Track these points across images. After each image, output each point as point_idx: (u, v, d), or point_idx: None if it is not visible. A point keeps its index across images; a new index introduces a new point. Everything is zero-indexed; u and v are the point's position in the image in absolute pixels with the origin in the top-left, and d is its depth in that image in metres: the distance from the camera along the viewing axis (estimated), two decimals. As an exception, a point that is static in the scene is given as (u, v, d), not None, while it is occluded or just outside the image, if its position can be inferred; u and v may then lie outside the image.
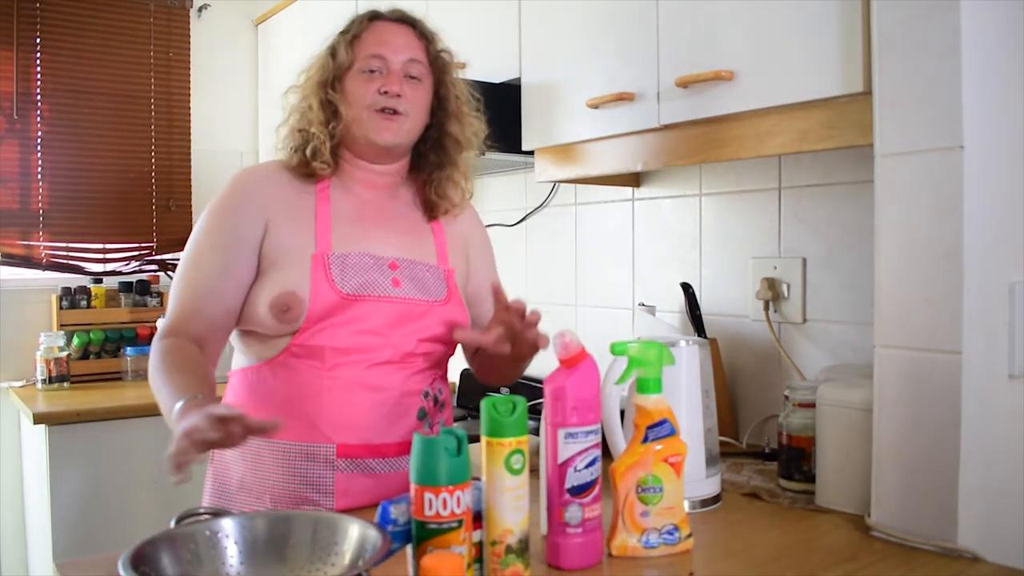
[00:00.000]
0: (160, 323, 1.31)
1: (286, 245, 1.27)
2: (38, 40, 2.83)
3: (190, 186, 3.13)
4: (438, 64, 1.37)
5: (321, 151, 1.31)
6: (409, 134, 1.34)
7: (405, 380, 1.29)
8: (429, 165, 1.40)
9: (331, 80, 1.32)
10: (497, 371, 1.46)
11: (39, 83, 2.84)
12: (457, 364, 2.58)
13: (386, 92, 1.29)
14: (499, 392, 2.26)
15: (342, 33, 1.35)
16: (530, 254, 2.35)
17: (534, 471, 0.97)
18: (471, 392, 2.44)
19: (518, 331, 1.21)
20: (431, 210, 1.41)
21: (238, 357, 1.35)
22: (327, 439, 1.24)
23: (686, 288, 1.76)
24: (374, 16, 1.35)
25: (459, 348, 1.42)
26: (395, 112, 1.30)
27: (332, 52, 1.34)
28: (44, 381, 2.68)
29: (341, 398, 1.24)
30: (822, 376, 1.41)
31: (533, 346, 1.24)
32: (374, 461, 1.27)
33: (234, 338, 1.34)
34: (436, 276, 1.35)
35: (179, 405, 1.09)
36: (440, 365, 1.37)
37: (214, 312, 1.27)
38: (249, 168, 1.40)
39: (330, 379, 1.24)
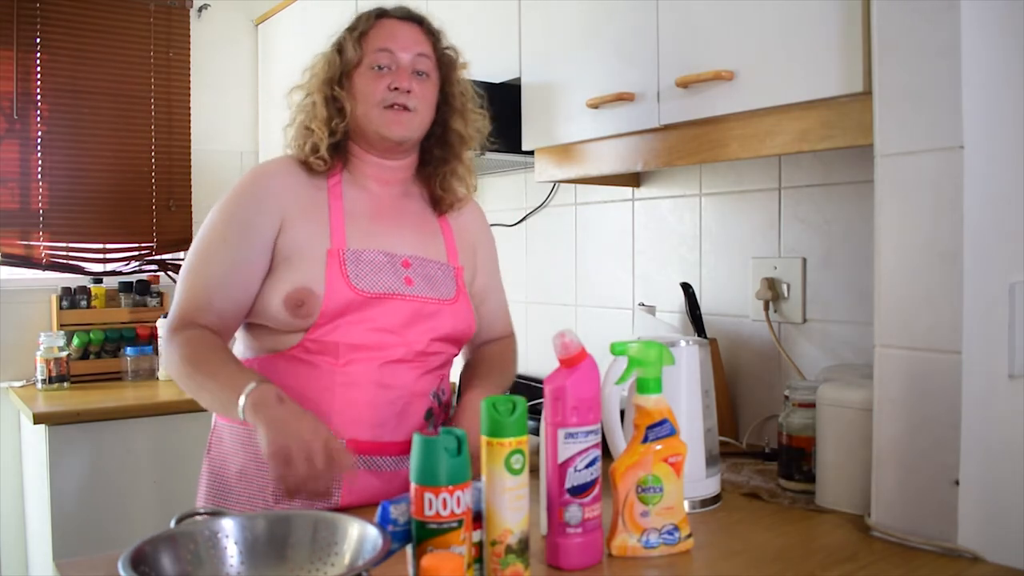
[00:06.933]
0: (163, 321, 1.31)
1: (301, 241, 1.27)
2: (38, 40, 2.83)
3: (190, 186, 3.13)
4: (444, 61, 1.38)
5: (318, 148, 1.31)
6: (419, 129, 1.34)
7: (416, 379, 1.30)
8: (434, 160, 1.41)
9: (338, 77, 1.32)
10: None
11: (39, 83, 2.84)
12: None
13: (396, 88, 1.30)
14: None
15: (349, 30, 1.35)
16: (530, 254, 2.35)
17: (534, 471, 0.97)
18: (471, 392, 2.43)
19: None
20: (437, 205, 1.42)
21: (241, 348, 1.35)
22: (337, 434, 1.24)
23: (686, 288, 1.76)
24: (381, 14, 1.36)
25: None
26: (405, 108, 1.30)
27: (339, 49, 1.34)
28: (44, 381, 2.68)
29: (353, 394, 1.25)
30: (822, 376, 1.41)
31: None
32: (381, 459, 1.27)
33: (239, 330, 1.34)
34: (446, 274, 1.36)
35: (251, 386, 1.14)
36: (447, 365, 1.38)
37: (225, 306, 1.26)
38: (264, 163, 1.39)
39: (343, 375, 1.25)
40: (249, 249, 1.27)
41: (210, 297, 1.26)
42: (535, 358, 2.34)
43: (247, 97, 3.30)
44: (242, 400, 1.13)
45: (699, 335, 1.72)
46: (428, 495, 0.84)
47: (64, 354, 2.71)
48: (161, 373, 2.82)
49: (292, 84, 1.40)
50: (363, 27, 1.34)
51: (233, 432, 1.32)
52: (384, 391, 1.26)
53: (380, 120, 1.30)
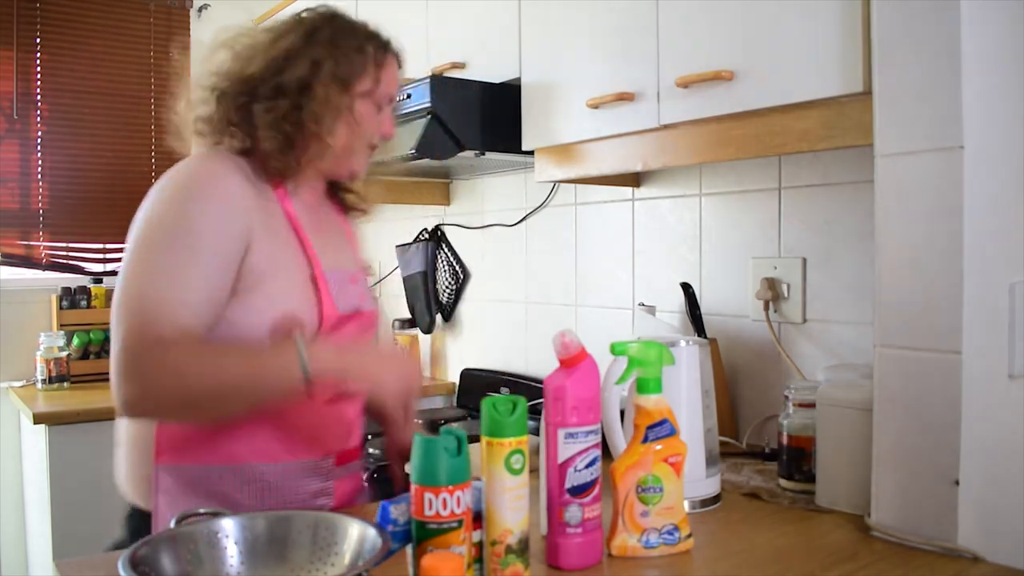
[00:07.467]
0: (117, 348, 1.06)
1: (275, 262, 1.15)
2: (38, 40, 2.84)
3: (190, 186, 3.13)
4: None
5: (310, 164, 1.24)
6: None
7: None
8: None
9: (357, 91, 1.22)
10: None
11: (39, 83, 2.84)
12: (457, 365, 2.58)
13: (388, 135, 1.28)
14: (499, 392, 2.26)
15: (371, 44, 1.24)
16: (530, 254, 2.35)
17: (534, 471, 0.97)
18: (471, 392, 2.44)
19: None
20: (350, 212, 1.39)
21: None
22: (327, 452, 1.24)
23: (686, 288, 1.76)
24: (389, 47, 1.28)
25: None
26: (374, 147, 1.29)
27: (359, 58, 1.22)
28: (44, 381, 2.68)
29: (336, 410, 1.24)
30: (822, 376, 1.41)
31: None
32: (354, 463, 1.30)
33: None
34: (368, 283, 1.37)
35: (302, 350, 1.07)
36: None
37: (190, 322, 1.08)
38: (213, 166, 1.17)
39: (329, 395, 1.21)
40: (220, 264, 1.12)
41: (176, 310, 1.07)
42: (535, 358, 2.34)
43: (247, 97, 3.29)
44: (303, 359, 1.06)
45: (699, 335, 1.72)
46: (428, 495, 0.83)
47: (64, 354, 2.71)
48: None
49: (271, 30, 1.22)
50: (381, 58, 1.25)
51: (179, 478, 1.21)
52: (354, 403, 1.27)
53: (361, 157, 1.26)
